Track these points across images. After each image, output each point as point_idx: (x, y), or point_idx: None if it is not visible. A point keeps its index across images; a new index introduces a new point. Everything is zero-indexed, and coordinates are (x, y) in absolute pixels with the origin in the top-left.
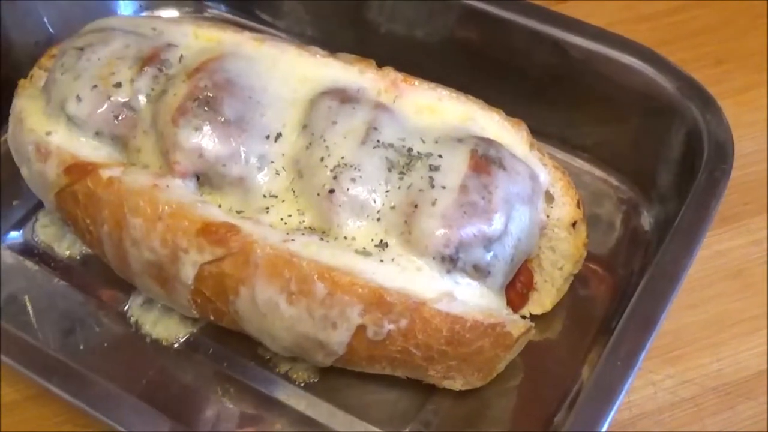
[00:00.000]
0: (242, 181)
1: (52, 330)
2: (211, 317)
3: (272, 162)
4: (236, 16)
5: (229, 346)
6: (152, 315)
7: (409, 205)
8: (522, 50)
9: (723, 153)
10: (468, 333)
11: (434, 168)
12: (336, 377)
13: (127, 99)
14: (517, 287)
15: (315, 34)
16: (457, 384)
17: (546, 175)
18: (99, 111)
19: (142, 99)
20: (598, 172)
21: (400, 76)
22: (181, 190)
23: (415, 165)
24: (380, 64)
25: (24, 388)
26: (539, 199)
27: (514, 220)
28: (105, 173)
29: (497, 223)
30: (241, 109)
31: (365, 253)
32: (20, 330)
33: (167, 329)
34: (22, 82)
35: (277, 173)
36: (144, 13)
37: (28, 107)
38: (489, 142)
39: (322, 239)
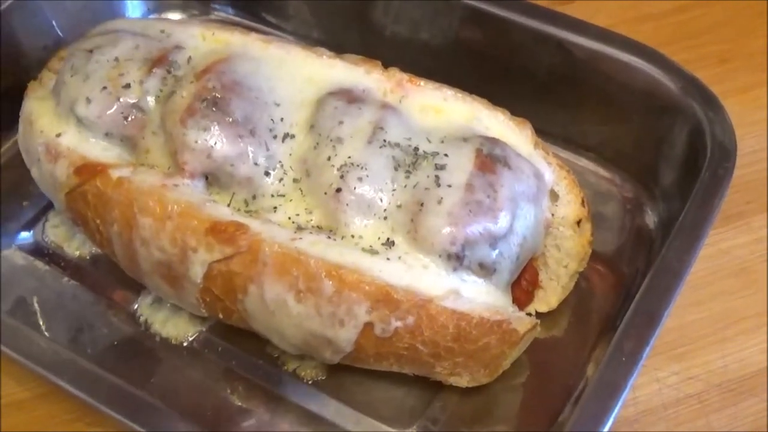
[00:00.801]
0: (250, 181)
1: (62, 329)
2: (220, 315)
3: (280, 162)
4: (242, 18)
5: (238, 344)
6: (161, 314)
7: (415, 204)
8: (526, 50)
9: (726, 152)
10: (474, 330)
11: (440, 167)
12: (344, 375)
13: (136, 100)
14: (522, 285)
15: (321, 36)
16: (464, 381)
17: (551, 173)
18: (108, 112)
19: (151, 100)
20: (602, 171)
21: (405, 76)
22: (189, 189)
23: (421, 164)
24: (386, 65)
25: (34, 387)
26: (544, 197)
27: (520, 218)
28: (114, 173)
29: (503, 221)
30: (249, 109)
31: (372, 251)
32: (31, 329)
33: (176, 328)
34: (31, 84)
35: (285, 173)
36: (151, 16)
37: (38, 109)
38: (494, 141)
39: (329, 238)
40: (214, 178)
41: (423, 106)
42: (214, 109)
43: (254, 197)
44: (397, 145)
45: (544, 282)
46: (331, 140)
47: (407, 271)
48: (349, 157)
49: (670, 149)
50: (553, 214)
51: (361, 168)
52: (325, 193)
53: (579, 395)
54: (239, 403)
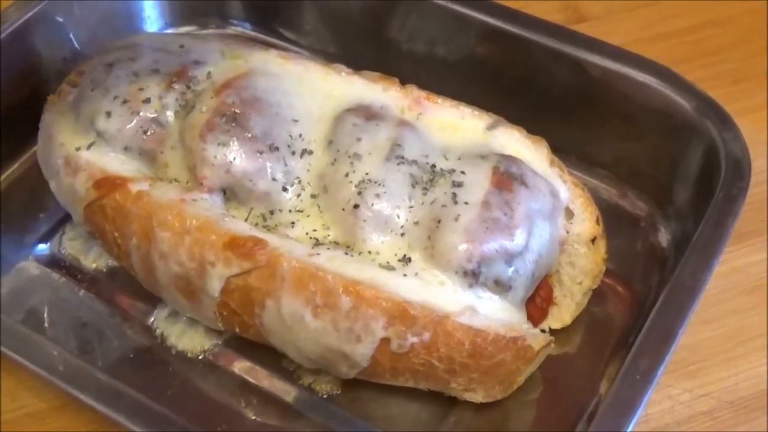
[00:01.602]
0: (268, 196)
1: (78, 340)
2: (237, 329)
3: (298, 177)
4: (259, 33)
5: (253, 358)
6: (177, 327)
7: (432, 221)
8: (542, 68)
9: (740, 171)
10: (490, 346)
11: (457, 184)
12: (358, 389)
13: (155, 115)
14: (537, 302)
15: (337, 51)
16: (479, 396)
17: (566, 191)
18: (128, 126)
19: (170, 115)
20: (616, 189)
21: (423, 93)
22: (208, 204)
23: (438, 181)
24: (402, 82)
25: (51, 398)
26: (559, 215)
27: (535, 236)
28: (134, 187)
29: (519, 238)
30: (268, 125)
31: (389, 267)
32: (47, 340)
33: (192, 341)
34: (51, 97)
35: (303, 188)
36: (169, 30)
37: (58, 122)
38: (511, 159)
39: (347, 253)
40: (232, 193)
41: (440, 124)
42: (233, 124)
43: (272, 212)
44: (415, 162)
45: (558, 299)
46: (349, 156)
47: (424, 287)
48: (367, 174)
49: (684, 168)
50: (568, 232)
51: (379, 185)
52: (343, 209)
53: (592, 412)
54: (254, 417)
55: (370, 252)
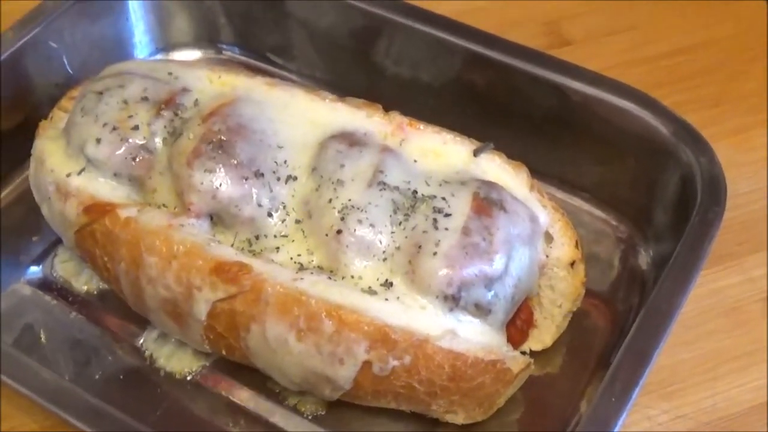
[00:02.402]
0: (254, 222)
1: (68, 362)
2: (223, 352)
3: (282, 203)
4: (249, 57)
5: (240, 379)
6: (166, 349)
7: (413, 246)
8: (523, 94)
9: (716, 195)
10: (469, 369)
11: (438, 210)
12: (343, 410)
13: (144, 141)
14: (517, 324)
15: (324, 76)
16: (459, 418)
17: (545, 216)
18: (117, 153)
19: (159, 141)
20: (596, 212)
21: (406, 120)
22: (195, 229)
23: (419, 207)
24: (388, 105)
25: (41, 419)
26: (539, 239)
27: (515, 260)
28: (123, 213)
29: (498, 263)
30: (253, 152)
31: (371, 291)
32: (36, 361)
33: (180, 363)
34: (42, 123)
35: (288, 214)
36: (159, 55)
37: (49, 148)
38: (491, 184)
39: (330, 278)
40: (218, 218)
41: (422, 150)
42: (219, 151)
43: (257, 237)
44: (397, 188)
45: (538, 321)
46: (332, 183)
47: (405, 311)
48: (350, 200)
49: (662, 192)
50: (547, 256)
51: (361, 210)
52: (326, 235)
53: (573, 431)
54: None
55: (352, 276)
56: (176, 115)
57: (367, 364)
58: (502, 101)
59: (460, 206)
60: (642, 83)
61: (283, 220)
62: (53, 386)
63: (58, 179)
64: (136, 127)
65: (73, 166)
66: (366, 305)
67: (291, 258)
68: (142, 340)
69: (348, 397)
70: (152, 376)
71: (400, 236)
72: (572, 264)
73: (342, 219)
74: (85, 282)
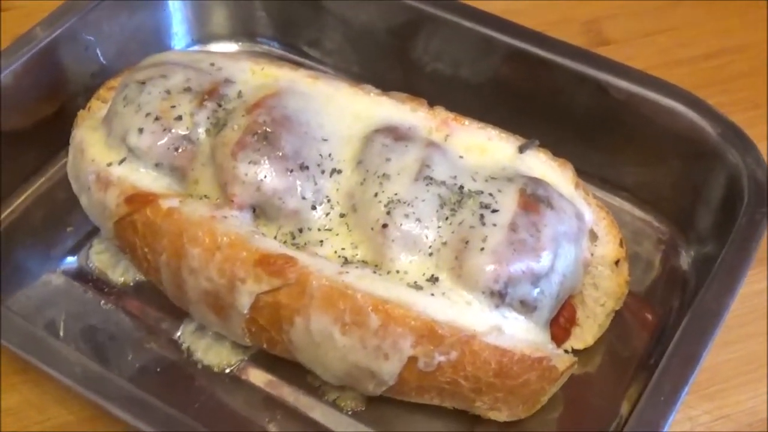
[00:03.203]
0: (297, 214)
1: (104, 353)
2: (264, 345)
3: (327, 196)
4: (286, 52)
5: (279, 373)
6: (204, 342)
7: (460, 242)
8: (566, 91)
9: (762, 197)
10: (515, 366)
11: (485, 206)
12: (383, 406)
13: (186, 132)
14: (560, 322)
15: (361, 71)
16: (503, 415)
17: (590, 214)
18: (159, 143)
19: (201, 132)
20: (638, 212)
21: (450, 115)
22: (238, 221)
23: (466, 202)
24: (427, 103)
25: (78, 410)
26: (584, 237)
27: (561, 257)
28: (164, 204)
29: (545, 260)
30: (298, 144)
31: (417, 286)
32: (74, 352)
33: (219, 356)
34: (81, 113)
35: (332, 207)
36: (196, 47)
37: (89, 138)
38: (537, 181)
39: (375, 272)
40: (261, 211)
41: (467, 145)
42: (264, 143)
43: (301, 230)
44: (443, 183)
45: (581, 320)
46: (378, 177)
47: (451, 306)
48: (396, 194)
49: (707, 193)
50: (592, 254)
51: (408, 205)
52: (372, 229)
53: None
54: None
55: (398, 271)
56: (219, 106)
57: (412, 359)
58: (544, 99)
59: (507, 202)
60: (681, 85)
61: (327, 214)
62: (93, 375)
63: (99, 169)
64: (179, 118)
65: (113, 156)
66: (412, 300)
67: (335, 252)
68: (179, 333)
69: (391, 393)
70: (189, 369)
71: (447, 231)
72: (617, 262)
73: (388, 213)
74: (121, 273)
